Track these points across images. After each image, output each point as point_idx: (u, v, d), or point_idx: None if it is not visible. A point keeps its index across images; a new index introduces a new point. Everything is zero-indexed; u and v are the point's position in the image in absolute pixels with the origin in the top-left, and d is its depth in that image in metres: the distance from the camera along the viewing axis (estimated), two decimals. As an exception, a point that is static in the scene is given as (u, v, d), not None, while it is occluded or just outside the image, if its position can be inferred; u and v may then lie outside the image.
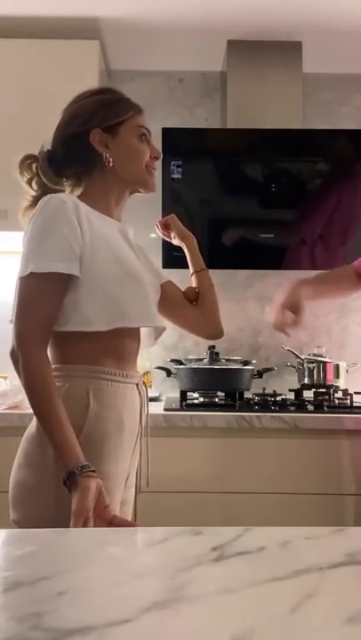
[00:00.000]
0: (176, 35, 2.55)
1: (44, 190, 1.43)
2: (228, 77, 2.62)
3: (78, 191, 1.45)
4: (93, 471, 1.19)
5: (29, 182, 1.43)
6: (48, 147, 1.44)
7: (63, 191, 1.45)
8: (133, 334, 1.39)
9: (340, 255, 2.55)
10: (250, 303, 2.75)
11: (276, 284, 2.76)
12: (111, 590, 0.62)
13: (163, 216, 2.42)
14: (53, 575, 0.66)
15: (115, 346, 1.34)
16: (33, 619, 0.55)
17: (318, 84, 2.81)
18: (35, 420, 1.31)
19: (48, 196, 1.32)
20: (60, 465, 1.24)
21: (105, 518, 1.18)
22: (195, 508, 2.01)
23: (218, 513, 2.02)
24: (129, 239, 1.44)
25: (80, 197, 1.41)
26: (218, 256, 2.51)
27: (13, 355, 1.29)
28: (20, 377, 1.27)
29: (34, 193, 1.43)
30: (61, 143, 1.42)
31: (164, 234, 1.72)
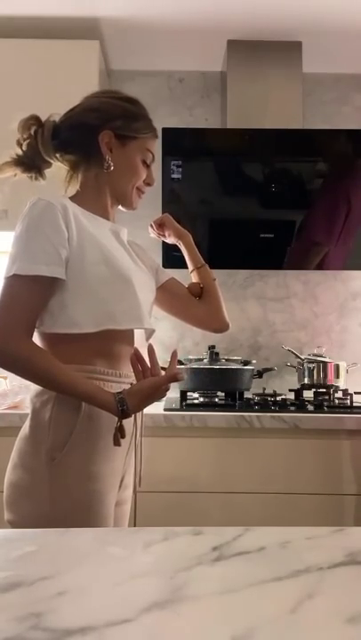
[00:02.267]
0: (176, 35, 2.55)
1: (30, 156, 1.40)
2: (228, 77, 2.62)
3: (75, 186, 1.44)
4: (120, 392, 1.28)
5: (20, 142, 1.41)
6: (56, 119, 1.42)
7: (50, 164, 1.42)
8: (125, 335, 1.37)
9: (342, 255, 2.55)
10: (250, 303, 2.75)
11: (276, 285, 2.77)
12: (111, 590, 0.62)
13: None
14: (53, 575, 0.66)
15: (106, 346, 1.34)
16: (33, 619, 0.55)
17: (318, 83, 2.81)
18: (28, 420, 1.32)
19: (36, 197, 1.31)
20: (54, 465, 1.24)
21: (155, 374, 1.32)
22: (195, 507, 2.01)
23: (218, 513, 2.02)
24: (122, 239, 1.44)
25: (75, 195, 1.41)
26: (218, 256, 2.51)
27: None
28: (12, 372, 1.26)
29: (20, 153, 1.40)
30: (70, 126, 1.40)
31: (159, 233, 1.72)
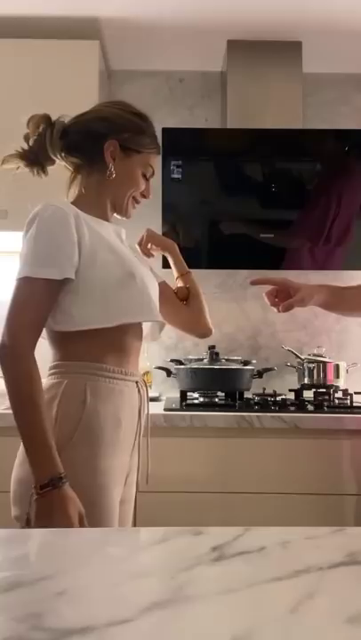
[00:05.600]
0: (176, 35, 2.55)
1: (36, 151, 1.43)
2: (228, 77, 2.62)
3: (76, 187, 1.47)
4: (62, 477, 1.21)
5: (28, 137, 1.44)
6: (66, 120, 1.45)
7: (53, 162, 1.46)
8: (136, 332, 1.42)
9: (341, 255, 2.55)
10: (250, 303, 2.75)
11: (276, 284, 2.77)
12: (111, 590, 0.62)
13: (163, 217, 2.43)
14: (53, 575, 0.66)
15: (117, 343, 1.38)
16: (33, 619, 0.55)
17: (318, 83, 2.81)
18: None
19: (45, 202, 1.34)
20: (60, 459, 1.25)
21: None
22: (195, 508, 2.01)
23: (218, 513, 2.02)
24: (122, 239, 1.49)
25: (78, 199, 1.45)
26: (218, 256, 2.51)
27: (2, 350, 1.28)
28: (3, 372, 1.28)
29: (26, 147, 1.44)
30: (79, 130, 1.44)
31: (143, 252, 1.73)
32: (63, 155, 1.44)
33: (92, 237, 1.35)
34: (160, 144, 1.51)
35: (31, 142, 1.44)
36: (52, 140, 1.43)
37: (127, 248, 1.48)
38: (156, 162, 1.51)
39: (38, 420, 1.23)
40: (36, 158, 1.44)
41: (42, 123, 1.44)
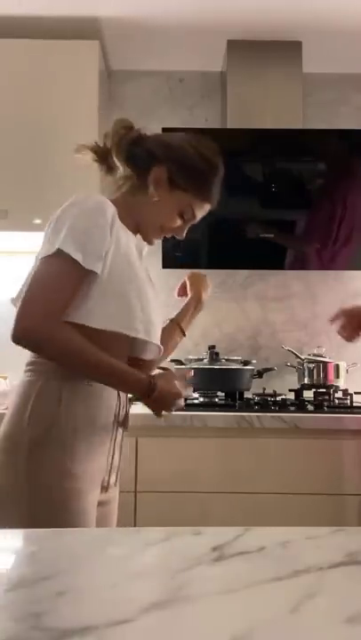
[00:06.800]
0: (176, 35, 2.55)
1: (106, 151, 1.43)
2: (228, 77, 2.62)
3: (116, 194, 1.46)
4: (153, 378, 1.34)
5: (107, 135, 1.45)
6: (147, 133, 1.46)
7: (119, 167, 1.46)
8: (121, 343, 1.36)
9: (343, 255, 2.55)
10: (250, 303, 2.75)
11: (276, 285, 2.77)
12: (111, 590, 0.62)
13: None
14: (53, 575, 0.66)
15: (102, 348, 1.32)
16: (33, 619, 0.55)
17: (318, 83, 2.81)
18: (9, 416, 1.32)
19: (89, 194, 1.34)
20: (32, 461, 1.25)
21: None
22: (195, 508, 2.01)
23: (218, 513, 2.02)
24: (142, 257, 1.46)
25: (114, 202, 1.40)
26: (218, 256, 2.51)
27: (26, 334, 1.25)
28: (39, 353, 1.30)
29: (101, 144, 1.44)
30: (142, 145, 1.43)
31: (180, 294, 1.71)
32: (123, 162, 1.44)
33: (117, 237, 1.33)
34: (215, 198, 1.46)
35: (107, 140, 1.44)
36: (121, 145, 1.42)
37: (143, 265, 1.44)
38: (200, 209, 1.46)
39: (105, 365, 1.28)
40: (105, 156, 1.44)
41: (123, 127, 1.43)
